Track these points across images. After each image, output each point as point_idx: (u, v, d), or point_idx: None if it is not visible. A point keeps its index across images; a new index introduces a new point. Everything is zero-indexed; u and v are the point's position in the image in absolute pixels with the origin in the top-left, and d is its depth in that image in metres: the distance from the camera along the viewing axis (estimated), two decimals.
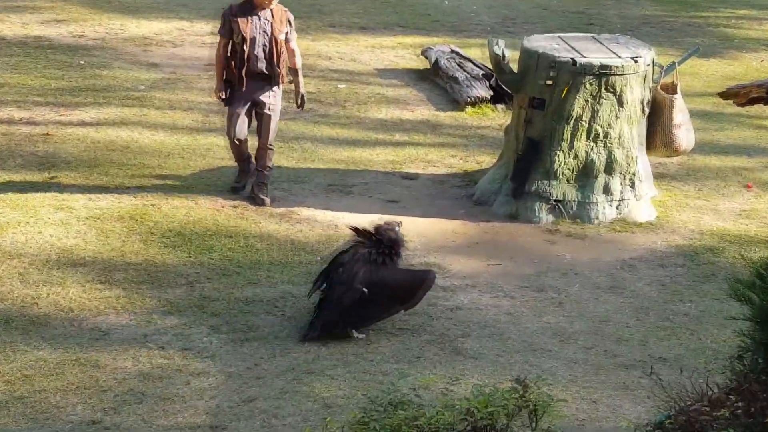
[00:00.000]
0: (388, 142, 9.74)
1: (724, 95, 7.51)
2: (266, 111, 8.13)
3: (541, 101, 8.16)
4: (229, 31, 8.09)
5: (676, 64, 8.66)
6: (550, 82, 8.08)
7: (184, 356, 6.14)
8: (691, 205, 8.78)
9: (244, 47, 7.96)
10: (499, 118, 10.46)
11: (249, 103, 8.14)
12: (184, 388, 5.81)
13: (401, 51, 12.61)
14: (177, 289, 6.88)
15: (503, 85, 9.36)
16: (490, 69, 9.95)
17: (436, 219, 8.21)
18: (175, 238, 7.58)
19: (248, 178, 8.38)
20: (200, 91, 10.69)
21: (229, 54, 8.12)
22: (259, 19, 8.01)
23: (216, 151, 9.24)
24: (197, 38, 12.49)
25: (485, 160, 9.34)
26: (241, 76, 8.00)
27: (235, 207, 8.15)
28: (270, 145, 8.26)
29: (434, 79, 11.43)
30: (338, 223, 7.99)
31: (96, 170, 8.66)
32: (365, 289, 6.41)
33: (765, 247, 7.90)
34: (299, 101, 8.34)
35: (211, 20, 13.15)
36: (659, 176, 9.12)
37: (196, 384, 5.86)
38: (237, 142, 8.23)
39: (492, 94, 10.70)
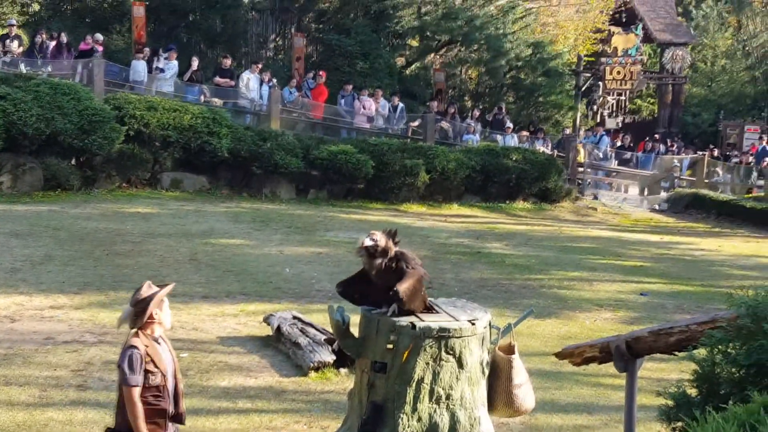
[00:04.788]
0: (232, 410, 9.59)
1: (560, 355, 7.70)
2: None
3: (383, 365, 8.21)
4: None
5: (512, 325, 8.89)
6: (390, 346, 8.17)
7: None
8: None
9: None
10: (342, 382, 10.48)
11: None
12: None
13: (244, 318, 12.65)
14: None
15: (345, 350, 9.41)
16: (332, 334, 10.03)
17: None
18: None
19: None
20: (38, 365, 10.42)
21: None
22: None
23: (53, 426, 8.92)
24: (36, 312, 12.28)
25: (330, 425, 9.27)
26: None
27: None
28: None
29: (277, 346, 11.45)
30: None
31: None
32: None
33: None
34: None
35: (51, 294, 13.04)
36: None
37: None
38: None
39: (335, 358, 10.77)
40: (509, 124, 31.44)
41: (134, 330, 6.31)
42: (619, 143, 35.09)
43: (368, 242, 7.82)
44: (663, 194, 31.40)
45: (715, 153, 35.50)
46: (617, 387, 10.01)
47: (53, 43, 25.17)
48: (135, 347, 6.24)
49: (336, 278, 14.83)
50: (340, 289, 8.28)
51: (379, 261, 7.87)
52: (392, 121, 28.23)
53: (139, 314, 6.28)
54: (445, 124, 29.17)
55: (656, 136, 36.32)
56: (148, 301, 6.29)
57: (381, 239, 7.86)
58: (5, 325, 11.75)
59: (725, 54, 52.33)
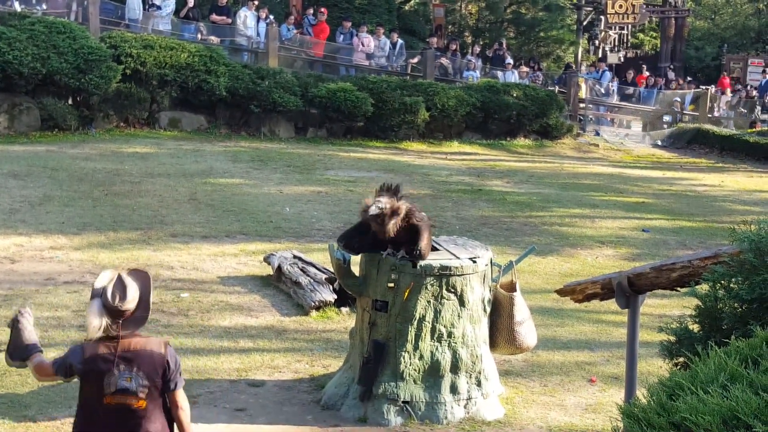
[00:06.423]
0: (233, 350, 9.59)
1: (562, 292, 7.67)
2: None
3: (384, 303, 8.19)
4: None
5: (514, 263, 8.85)
6: (392, 285, 8.14)
7: None
8: (538, 401, 8.83)
9: None
10: (344, 321, 10.47)
11: None
12: None
13: (244, 258, 12.62)
14: None
15: (346, 289, 9.39)
16: (333, 273, 10.00)
17: (284, 426, 8.02)
18: None
19: None
20: (39, 306, 10.39)
21: None
22: None
23: None
24: (36, 253, 12.24)
25: (332, 364, 9.27)
26: None
27: None
28: None
29: (278, 285, 11.42)
30: None
31: None
32: None
33: None
34: None
35: (51, 234, 12.99)
36: (505, 373, 9.19)
37: None
38: None
39: (336, 297, 10.75)
40: (510, 60, 31.19)
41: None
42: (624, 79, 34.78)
43: (374, 211, 7.70)
44: (665, 130, 31.23)
45: (713, 91, 35.21)
46: (619, 323, 10.01)
47: None
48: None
49: (336, 217, 14.83)
50: (343, 243, 8.23)
51: (392, 223, 7.79)
52: (391, 58, 27.99)
53: (146, 317, 5.45)
54: (444, 61, 28.93)
55: (643, 66, 36.00)
56: (149, 295, 5.50)
57: (386, 203, 7.76)
58: (5, 266, 11.72)
59: None
